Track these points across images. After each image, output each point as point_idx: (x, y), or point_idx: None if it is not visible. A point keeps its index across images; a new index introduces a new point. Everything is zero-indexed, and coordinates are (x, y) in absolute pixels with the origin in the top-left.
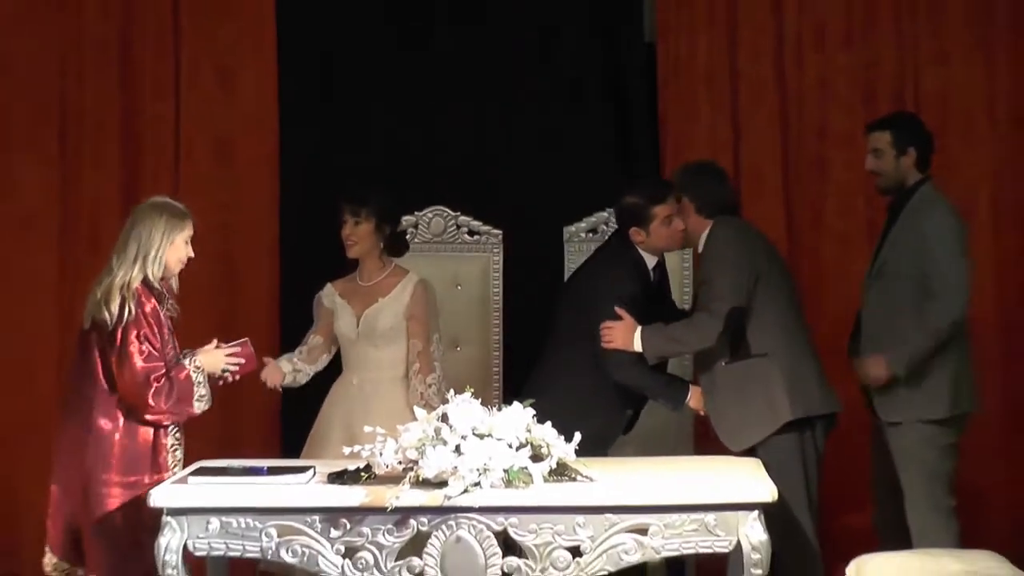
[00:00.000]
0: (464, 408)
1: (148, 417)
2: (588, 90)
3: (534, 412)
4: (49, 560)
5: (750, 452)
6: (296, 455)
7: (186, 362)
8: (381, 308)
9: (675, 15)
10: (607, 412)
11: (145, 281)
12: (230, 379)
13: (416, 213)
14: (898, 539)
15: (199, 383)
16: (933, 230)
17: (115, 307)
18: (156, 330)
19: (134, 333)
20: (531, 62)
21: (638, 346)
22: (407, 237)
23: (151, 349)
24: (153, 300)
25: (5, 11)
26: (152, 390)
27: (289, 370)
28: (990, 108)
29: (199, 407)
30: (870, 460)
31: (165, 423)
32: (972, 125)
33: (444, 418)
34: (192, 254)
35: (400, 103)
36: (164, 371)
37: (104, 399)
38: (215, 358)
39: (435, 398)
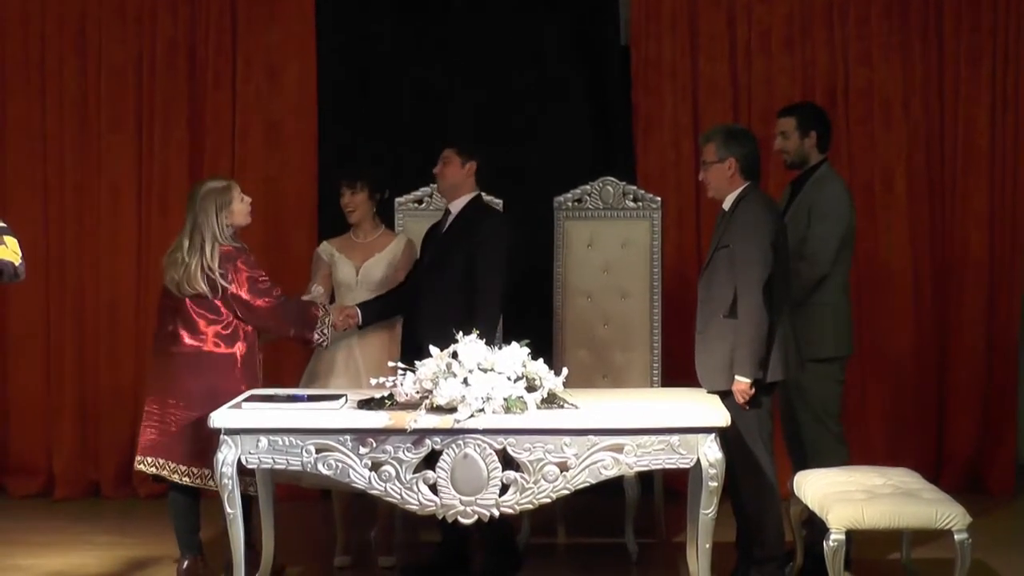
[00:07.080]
0: (471, 346)
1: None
2: (575, 85)
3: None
4: (174, 467)
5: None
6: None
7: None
8: (378, 261)
9: (646, 24)
10: None
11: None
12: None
13: (432, 185)
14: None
15: (323, 321)
16: (820, 203)
17: (204, 284)
18: (257, 267)
19: (245, 275)
20: (529, 64)
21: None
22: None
23: (260, 279)
24: (236, 247)
25: (93, 16)
26: (282, 314)
27: None
28: (905, 100)
29: (317, 338)
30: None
31: (293, 335)
32: (890, 113)
33: (455, 355)
34: (249, 199)
35: (417, 97)
36: (282, 298)
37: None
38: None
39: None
